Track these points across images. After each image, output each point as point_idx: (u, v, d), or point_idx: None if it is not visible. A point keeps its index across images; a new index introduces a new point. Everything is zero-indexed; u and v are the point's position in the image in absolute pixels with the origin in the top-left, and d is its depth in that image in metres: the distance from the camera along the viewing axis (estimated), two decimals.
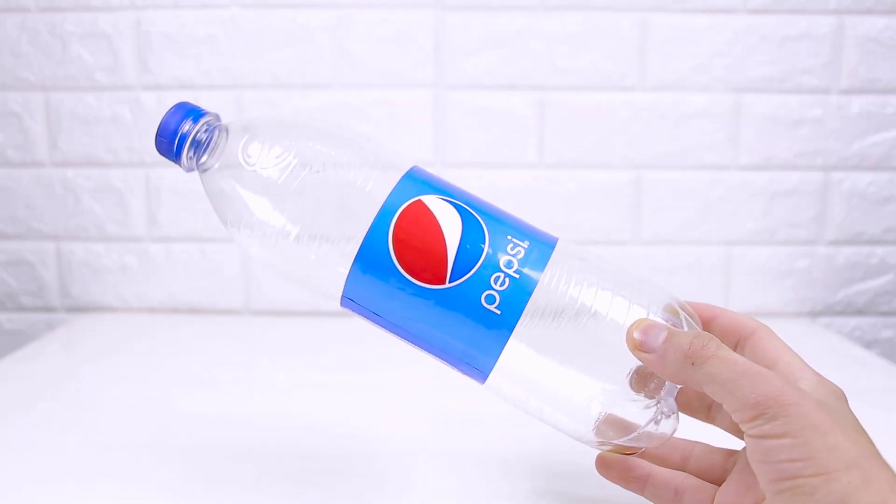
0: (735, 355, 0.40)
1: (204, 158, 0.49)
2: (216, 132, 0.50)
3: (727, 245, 1.08)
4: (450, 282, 0.45)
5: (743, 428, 0.39)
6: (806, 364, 0.44)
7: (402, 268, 0.46)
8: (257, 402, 0.75)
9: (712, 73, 1.04)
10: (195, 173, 0.51)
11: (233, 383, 0.81)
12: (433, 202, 0.47)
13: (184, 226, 1.07)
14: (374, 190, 0.47)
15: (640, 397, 0.45)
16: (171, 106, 0.50)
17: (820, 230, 1.07)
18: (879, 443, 0.38)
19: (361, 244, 0.46)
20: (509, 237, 0.47)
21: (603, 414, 0.46)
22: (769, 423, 0.37)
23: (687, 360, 0.41)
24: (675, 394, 0.46)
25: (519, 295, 0.45)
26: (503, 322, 0.45)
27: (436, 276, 0.45)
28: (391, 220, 0.46)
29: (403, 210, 0.46)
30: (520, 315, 0.45)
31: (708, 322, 0.48)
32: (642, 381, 0.45)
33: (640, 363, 0.44)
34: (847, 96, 1.05)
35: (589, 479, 0.54)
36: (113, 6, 1.03)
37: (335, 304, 0.50)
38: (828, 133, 1.05)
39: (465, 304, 0.45)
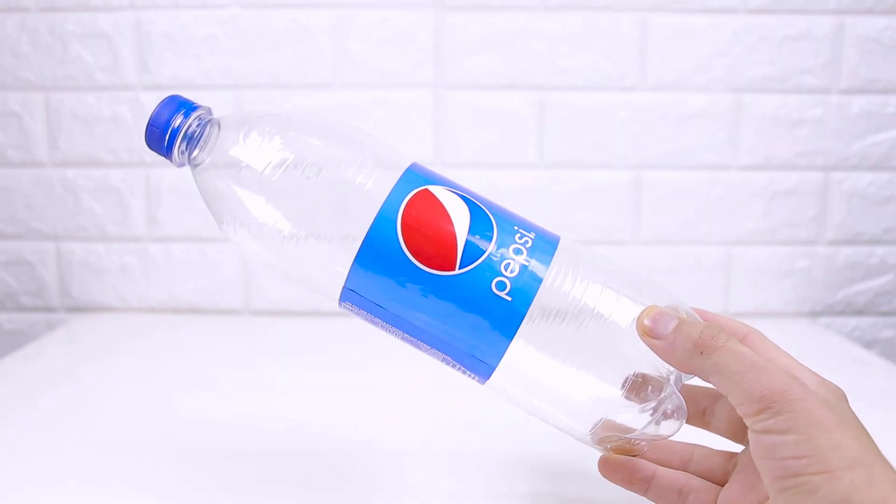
0: (744, 348, 0.40)
1: (195, 153, 0.49)
2: (208, 126, 0.49)
3: (727, 245, 1.07)
4: (460, 268, 0.45)
5: (747, 422, 0.39)
6: (803, 365, 0.44)
7: (411, 254, 0.45)
8: (257, 403, 0.75)
9: (712, 73, 1.04)
10: (187, 169, 0.50)
11: (233, 383, 0.81)
12: (440, 192, 0.47)
13: (184, 226, 1.07)
14: (379, 182, 0.46)
15: (636, 403, 0.45)
16: (162, 99, 0.49)
17: (820, 230, 1.07)
18: (880, 442, 0.38)
19: (368, 231, 0.45)
20: (516, 227, 0.47)
21: (603, 413, 0.46)
22: (774, 417, 0.37)
23: (696, 349, 0.41)
24: (680, 385, 0.46)
25: (529, 282, 0.45)
26: (514, 310, 0.45)
27: (445, 263, 0.45)
28: (399, 207, 0.45)
29: (411, 197, 0.46)
30: (530, 303, 0.45)
31: None
32: (639, 387, 0.45)
33: (636, 369, 0.44)
34: (847, 96, 1.05)
35: (589, 481, 0.54)
36: (113, 6, 1.03)
37: (333, 302, 0.49)
38: (828, 133, 1.05)
39: (474, 291, 0.45)
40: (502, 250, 0.45)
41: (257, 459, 0.60)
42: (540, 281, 0.45)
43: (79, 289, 1.09)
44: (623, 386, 0.45)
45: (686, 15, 1.03)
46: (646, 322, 0.44)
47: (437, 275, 0.45)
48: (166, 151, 0.49)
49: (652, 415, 0.45)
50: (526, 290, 0.45)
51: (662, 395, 0.45)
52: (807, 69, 1.04)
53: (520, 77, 1.04)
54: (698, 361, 0.41)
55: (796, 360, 0.44)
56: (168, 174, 1.05)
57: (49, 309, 1.10)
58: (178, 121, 0.48)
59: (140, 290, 1.09)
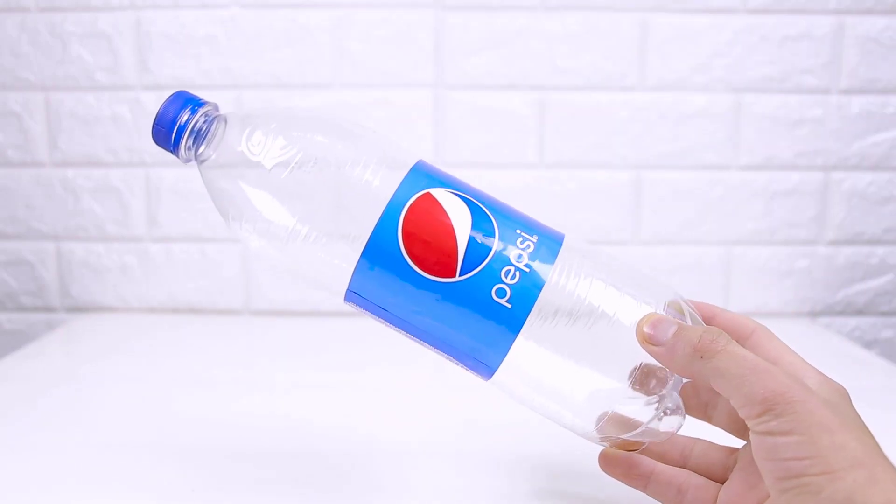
0: (744, 351, 0.40)
1: (202, 149, 0.48)
2: (215, 122, 0.49)
3: (727, 245, 1.07)
4: (460, 275, 0.45)
5: (749, 424, 0.39)
6: (808, 363, 0.44)
7: (412, 261, 0.45)
8: (257, 403, 0.75)
9: (712, 73, 1.04)
10: (193, 165, 0.50)
11: (232, 383, 0.81)
12: (442, 195, 0.47)
13: (184, 226, 1.07)
14: (382, 183, 0.46)
15: (642, 395, 0.45)
16: (169, 95, 0.49)
17: (820, 230, 1.07)
18: (880, 442, 0.38)
19: (370, 237, 0.45)
20: (518, 231, 0.47)
21: (606, 410, 0.46)
22: (776, 419, 0.37)
23: (696, 353, 0.41)
24: (679, 389, 0.46)
25: (530, 289, 0.45)
26: (513, 316, 0.45)
27: (446, 270, 0.45)
28: (400, 213, 0.45)
29: (412, 203, 0.46)
30: (530, 309, 0.45)
31: (707, 322, 0.48)
32: (644, 378, 0.45)
33: (643, 360, 0.44)
34: (847, 96, 1.05)
35: (589, 479, 0.54)
36: (113, 6, 1.03)
37: (336, 302, 0.49)
38: (828, 133, 1.05)
39: (475, 298, 0.45)
40: (503, 256, 0.45)
41: (257, 459, 0.60)
42: (540, 287, 0.45)
43: (79, 289, 1.09)
44: (629, 377, 0.45)
45: (686, 15, 1.03)
46: (645, 329, 0.44)
47: (438, 281, 0.45)
48: (173, 147, 0.49)
49: (657, 408, 0.45)
50: (526, 296, 0.45)
51: (666, 388, 0.45)
52: (807, 69, 1.04)
53: (520, 77, 1.04)
54: (699, 366, 0.41)
55: (802, 357, 0.44)
56: (168, 174, 1.05)
57: (49, 309, 1.10)
58: (184, 117, 0.48)
59: (140, 290, 1.09)
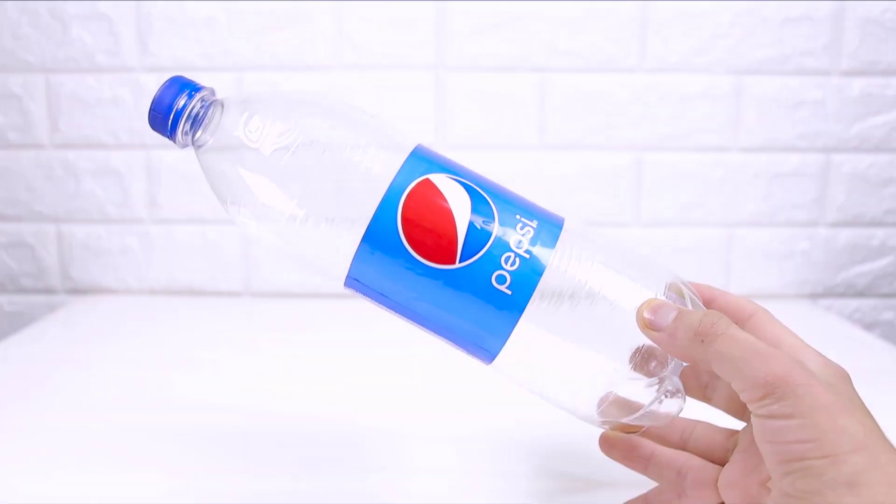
0: (745, 334, 0.40)
1: (199, 134, 0.48)
2: (212, 107, 0.48)
3: (728, 227, 1.08)
4: (460, 262, 0.45)
5: (751, 408, 0.39)
6: (809, 345, 0.44)
7: (411, 248, 0.45)
8: (257, 384, 0.75)
9: (713, 55, 1.04)
10: (190, 149, 0.50)
11: (232, 365, 0.81)
12: (441, 181, 0.46)
13: (184, 208, 1.07)
14: (381, 168, 0.46)
15: (643, 376, 0.45)
16: (165, 80, 0.48)
17: (821, 212, 1.07)
18: (881, 424, 0.38)
19: (369, 224, 0.45)
20: (518, 216, 0.46)
21: (607, 393, 0.46)
22: (777, 402, 0.37)
23: (696, 337, 0.41)
24: (679, 372, 0.46)
25: (530, 275, 0.45)
26: (514, 302, 0.45)
27: (445, 256, 0.45)
28: (399, 200, 0.45)
29: (412, 189, 0.45)
30: (531, 295, 0.44)
31: (706, 304, 0.48)
32: (645, 361, 0.45)
33: (644, 342, 0.45)
34: (847, 78, 1.04)
35: (588, 460, 0.54)
36: None
37: (336, 285, 0.49)
38: (828, 115, 1.05)
39: (475, 285, 0.45)
40: (503, 242, 0.45)
41: (257, 440, 0.60)
42: (541, 272, 0.45)
43: (79, 271, 1.09)
44: (630, 359, 0.45)
45: None
46: (645, 315, 0.44)
47: (438, 268, 0.45)
48: (170, 133, 0.48)
49: (657, 390, 0.45)
50: (526, 282, 0.45)
51: (666, 370, 0.45)
52: (807, 51, 1.04)
53: (520, 59, 1.04)
54: (700, 350, 0.41)
55: (802, 339, 0.44)
56: (168, 156, 1.05)
57: (49, 291, 1.10)
58: (181, 102, 0.48)
59: (140, 272, 1.09)
